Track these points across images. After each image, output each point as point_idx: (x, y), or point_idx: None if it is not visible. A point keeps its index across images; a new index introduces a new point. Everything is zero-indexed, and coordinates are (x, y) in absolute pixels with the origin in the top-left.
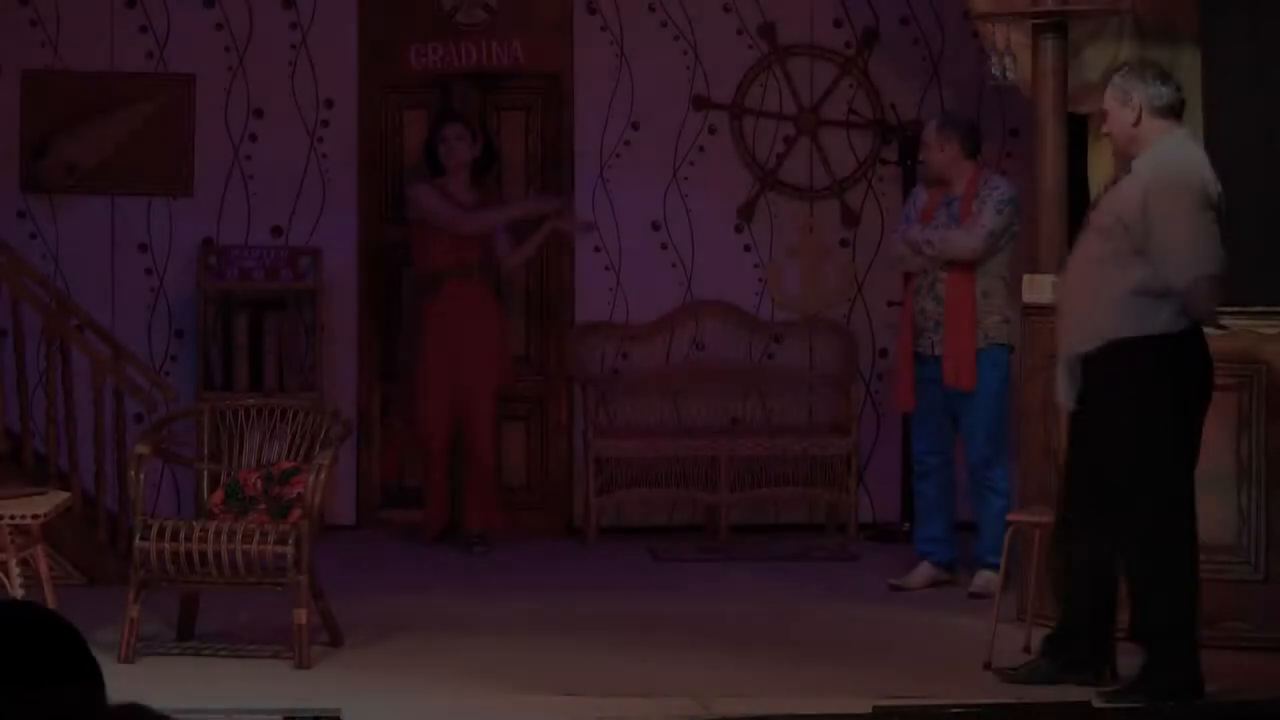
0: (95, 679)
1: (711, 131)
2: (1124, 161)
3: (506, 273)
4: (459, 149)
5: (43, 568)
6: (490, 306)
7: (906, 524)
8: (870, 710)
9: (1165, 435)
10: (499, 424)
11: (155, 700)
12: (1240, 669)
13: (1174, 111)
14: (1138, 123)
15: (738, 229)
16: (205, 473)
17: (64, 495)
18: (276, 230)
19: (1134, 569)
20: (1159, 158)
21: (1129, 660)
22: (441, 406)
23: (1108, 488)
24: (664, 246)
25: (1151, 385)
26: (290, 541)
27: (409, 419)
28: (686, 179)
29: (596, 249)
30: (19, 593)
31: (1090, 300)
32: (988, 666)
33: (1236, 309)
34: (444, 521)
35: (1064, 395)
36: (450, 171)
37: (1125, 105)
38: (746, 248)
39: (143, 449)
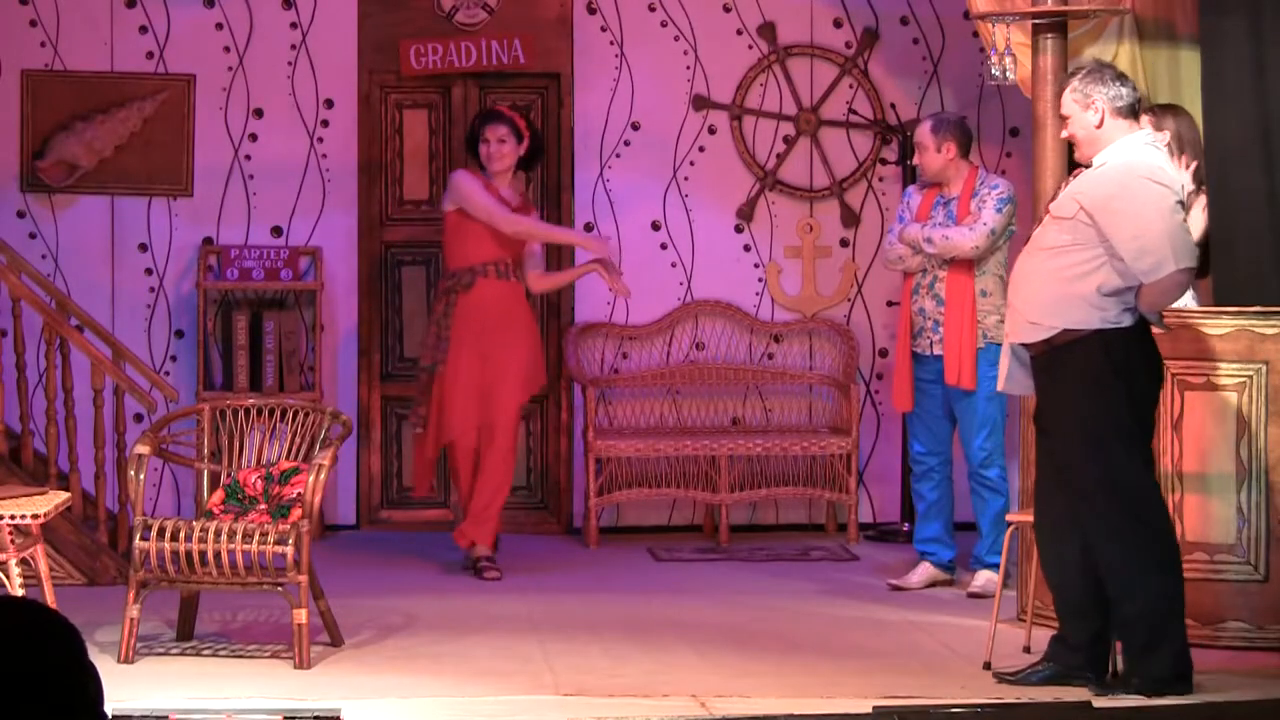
0: (91, 675)
1: (711, 131)
2: (1085, 160)
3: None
4: (503, 152)
5: (43, 567)
6: (522, 311)
7: (906, 524)
8: (870, 710)
9: (1121, 429)
10: (517, 435)
11: (155, 700)
12: (1240, 668)
13: (1134, 112)
14: (1100, 124)
15: (738, 229)
16: (205, 473)
17: (64, 495)
18: (276, 230)
19: (1107, 564)
20: (1130, 156)
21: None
22: (469, 405)
23: (1070, 484)
24: (664, 246)
25: (1105, 380)
26: (290, 541)
27: (435, 419)
28: (686, 179)
29: None
30: (19, 593)
31: (1047, 290)
32: (987, 666)
33: (1236, 309)
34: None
35: (1009, 383)
36: (494, 175)
37: (1087, 108)
38: (746, 248)
39: (142, 449)
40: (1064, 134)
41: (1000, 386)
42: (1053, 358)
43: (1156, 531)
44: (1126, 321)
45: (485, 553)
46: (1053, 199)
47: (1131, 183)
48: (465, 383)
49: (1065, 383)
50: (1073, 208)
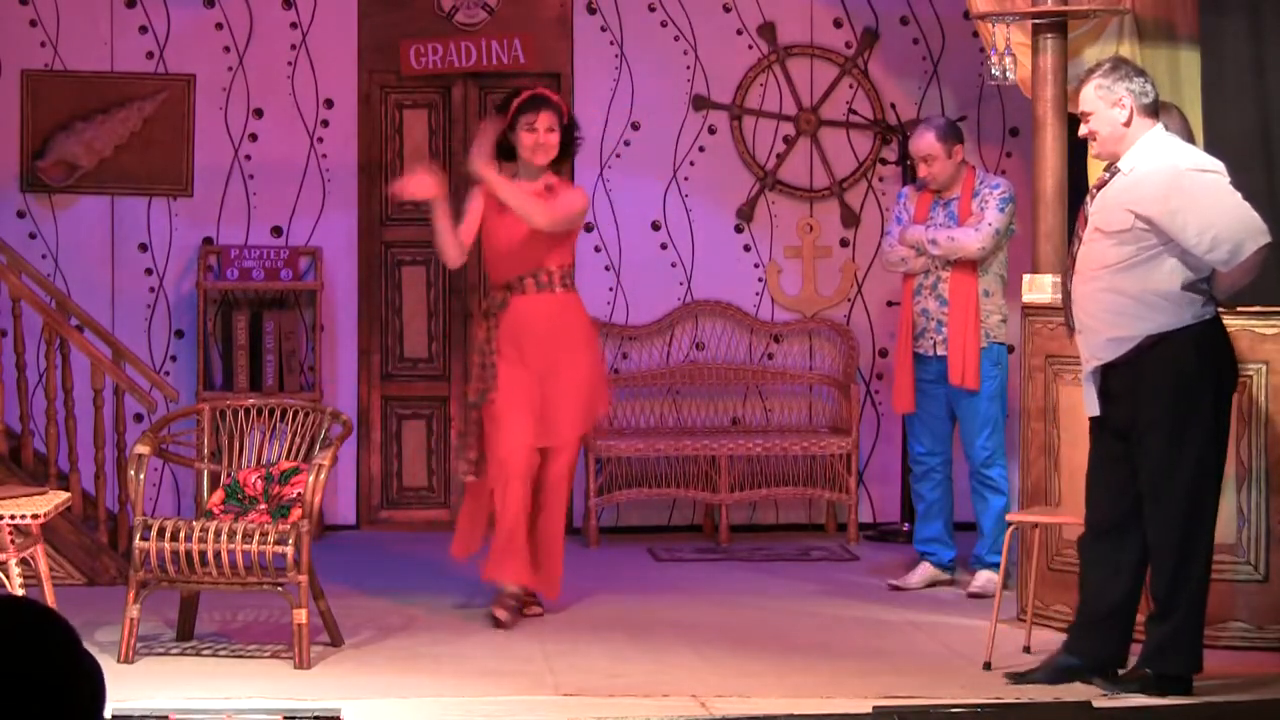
0: (91, 677)
1: (711, 131)
2: (1109, 162)
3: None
4: (551, 143)
5: (42, 567)
6: (577, 324)
7: (906, 524)
8: (870, 710)
9: (1207, 425)
10: (574, 470)
11: (155, 700)
12: (1240, 668)
13: (1156, 109)
14: (1129, 122)
15: (737, 229)
16: (205, 473)
17: (64, 495)
18: (276, 230)
19: (1159, 560)
20: (1165, 154)
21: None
22: (523, 428)
23: (1144, 481)
24: (664, 246)
25: (1193, 373)
26: (290, 541)
27: (489, 458)
28: (686, 179)
29: (596, 249)
30: (19, 593)
31: (1125, 304)
32: (988, 666)
33: (1235, 308)
34: (526, 578)
35: (1093, 407)
36: (535, 170)
37: (1115, 105)
38: (746, 248)
39: (142, 449)
40: (1082, 131)
41: (1090, 413)
42: (1139, 360)
43: (1209, 533)
44: (1210, 313)
45: (519, 592)
46: (1081, 216)
47: (1181, 180)
48: (519, 406)
49: (1156, 381)
50: (1127, 220)
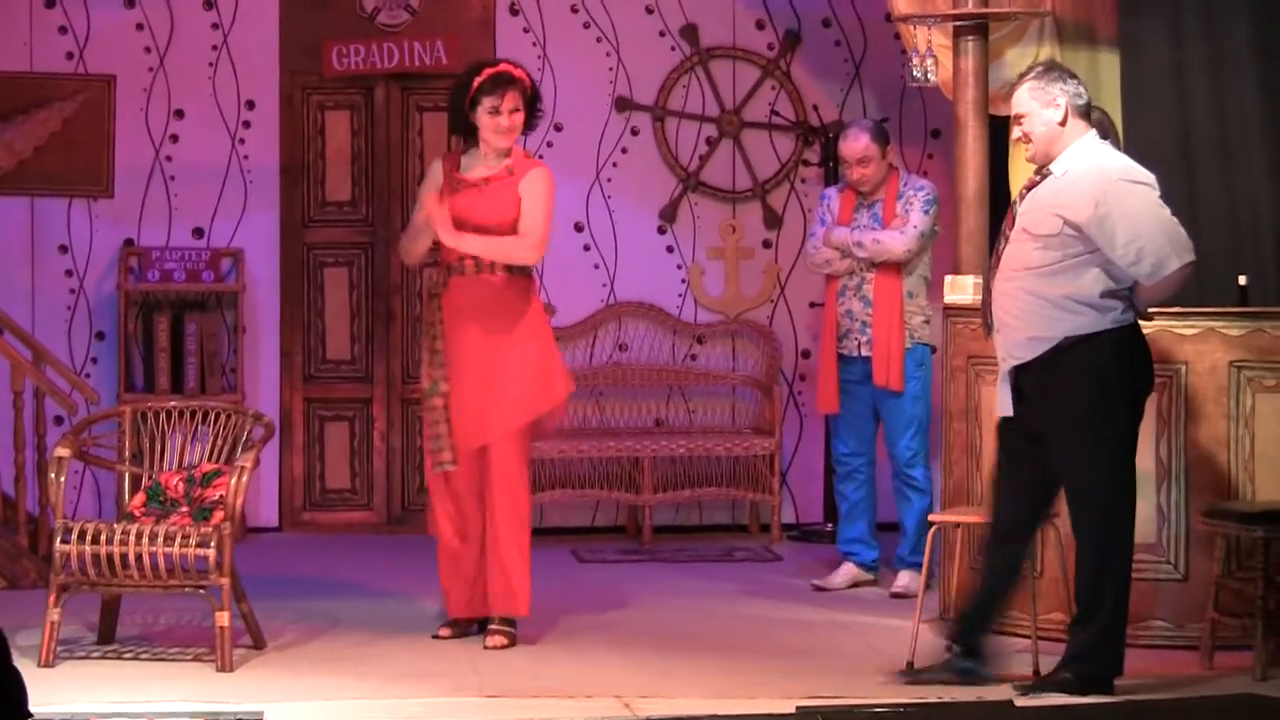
0: (13, 680)
1: (634, 133)
2: (1041, 165)
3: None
4: (515, 124)
5: None
6: (521, 310)
7: (829, 525)
8: (794, 710)
9: (1121, 429)
10: (528, 463)
11: (76, 704)
12: (1160, 667)
13: (1088, 112)
14: (1064, 121)
15: (660, 230)
16: (126, 475)
17: None
18: (198, 231)
19: (1083, 563)
20: (1097, 160)
21: (1049, 660)
22: (463, 432)
23: (1064, 481)
24: (587, 248)
25: (1111, 376)
26: (212, 544)
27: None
28: (609, 180)
29: None
30: None
31: (1043, 306)
32: (910, 666)
33: (1155, 310)
34: (465, 610)
35: (1007, 407)
36: (498, 152)
37: (1049, 105)
38: (669, 249)
39: (63, 451)
40: (1016, 134)
41: (1003, 413)
42: (1054, 361)
43: (1129, 535)
44: (1129, 319)
45: (500, 613)
46: (1009, 216)
47: (1112, 188)
48: (459, 404)
49: (1074, 383)
50: (1055, 224)
